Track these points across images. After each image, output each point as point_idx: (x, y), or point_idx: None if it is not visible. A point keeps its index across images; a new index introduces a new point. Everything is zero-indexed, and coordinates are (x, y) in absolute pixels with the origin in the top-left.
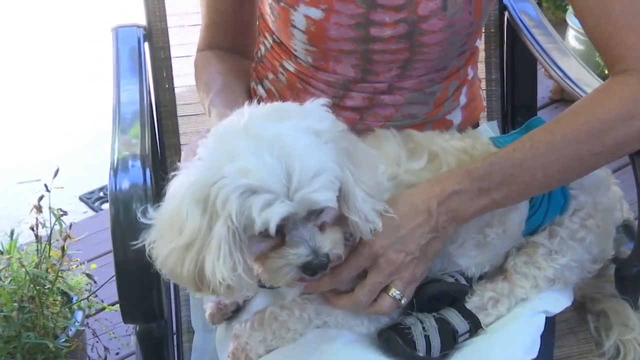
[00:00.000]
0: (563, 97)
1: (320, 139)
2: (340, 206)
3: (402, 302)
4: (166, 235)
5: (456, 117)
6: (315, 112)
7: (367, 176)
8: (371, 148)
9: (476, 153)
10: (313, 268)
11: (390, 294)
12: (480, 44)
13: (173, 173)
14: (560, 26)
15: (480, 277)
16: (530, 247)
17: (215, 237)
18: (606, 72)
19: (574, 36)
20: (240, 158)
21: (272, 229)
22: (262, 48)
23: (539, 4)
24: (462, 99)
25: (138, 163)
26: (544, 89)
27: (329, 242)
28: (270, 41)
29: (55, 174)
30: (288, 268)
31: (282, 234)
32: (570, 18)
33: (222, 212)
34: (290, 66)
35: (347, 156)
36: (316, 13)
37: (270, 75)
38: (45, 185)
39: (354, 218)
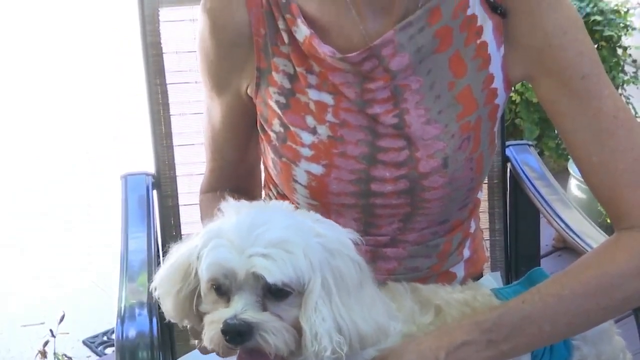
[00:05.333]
0: (566, 246)
1: (313, 239)
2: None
3: None
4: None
5: (459, 270)
6: (332, 225)
7: (357, 310)
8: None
9: (477, 305)
10: (229, 331)
11: None
12: (483, 195)
13: None
14: (562, 175)
15: None
16: None
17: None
18: (608, 220)
19: (576, 185)
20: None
21: (204, 271)
22: (268, 200)
23: (541, 152)
24: (466, 252)
25: (145, 311)
26: (547, 237)
27: (261, 319)
28: (275, 193)
29: (61, 320)
30: (213, 326)
31: (228, 298)
32: (572, 167)
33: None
34: None
35: (336, 275)
36: (317, 169)
37: None
38: (51, 331)
39: (304, 326)
